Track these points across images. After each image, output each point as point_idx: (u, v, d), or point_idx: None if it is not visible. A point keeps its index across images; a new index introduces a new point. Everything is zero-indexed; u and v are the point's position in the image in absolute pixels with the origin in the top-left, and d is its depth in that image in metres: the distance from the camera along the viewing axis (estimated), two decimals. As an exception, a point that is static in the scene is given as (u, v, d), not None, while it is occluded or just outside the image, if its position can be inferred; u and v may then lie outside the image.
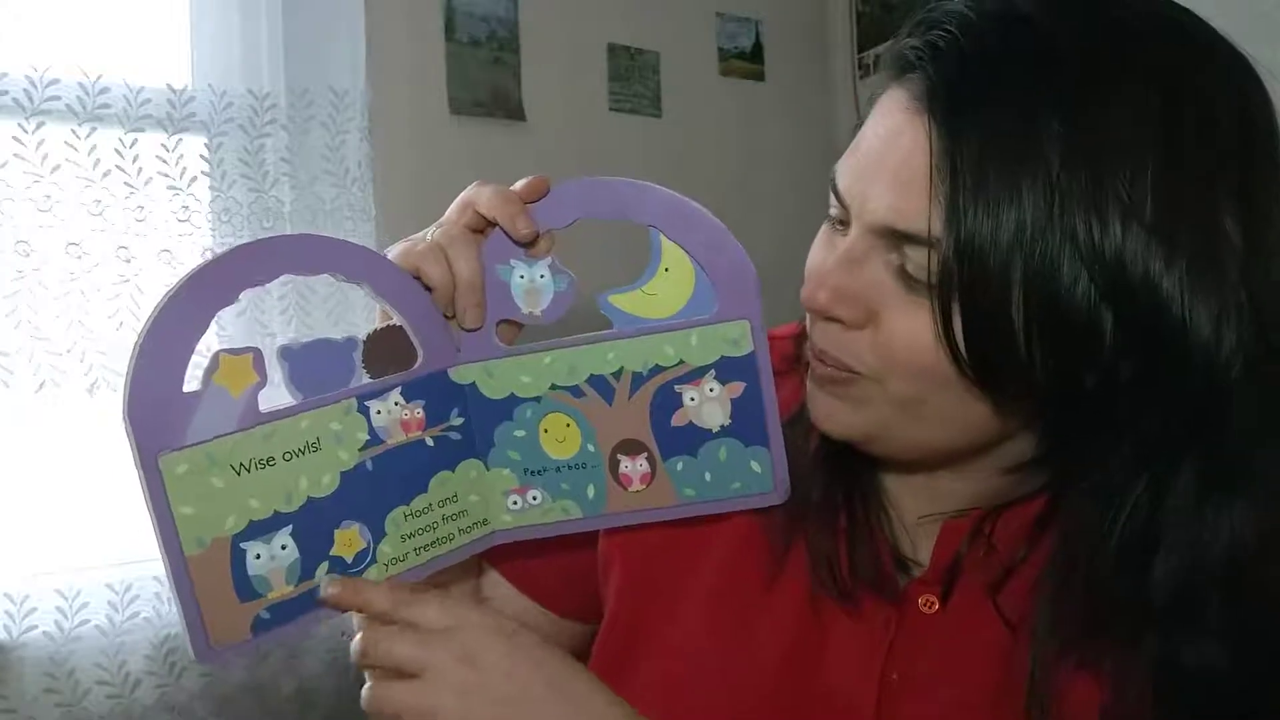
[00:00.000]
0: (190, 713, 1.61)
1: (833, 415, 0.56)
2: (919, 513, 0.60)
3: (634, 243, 0.58)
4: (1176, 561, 0.50)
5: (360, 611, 0.53)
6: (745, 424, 0.57)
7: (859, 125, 0.54)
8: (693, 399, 0.58)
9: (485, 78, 2.01)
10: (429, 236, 0.57)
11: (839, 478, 0.60)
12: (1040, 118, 0.46)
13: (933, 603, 0.57)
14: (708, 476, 0.58)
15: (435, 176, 1.91)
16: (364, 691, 0.52)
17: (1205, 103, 0.47)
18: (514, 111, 2.04)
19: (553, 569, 0.69)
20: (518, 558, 0.68)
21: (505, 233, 0.56)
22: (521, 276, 0.57)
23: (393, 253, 0.56)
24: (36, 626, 1.49)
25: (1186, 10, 0.51)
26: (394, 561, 0.56)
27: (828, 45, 2.53)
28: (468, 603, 0.55)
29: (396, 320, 0.56)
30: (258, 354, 0.51)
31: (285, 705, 1.69)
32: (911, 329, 0.50)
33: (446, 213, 0.58)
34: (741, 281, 0.56)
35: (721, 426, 0.58)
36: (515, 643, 0.52)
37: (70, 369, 1.51)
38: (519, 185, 0.56)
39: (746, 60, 2.39)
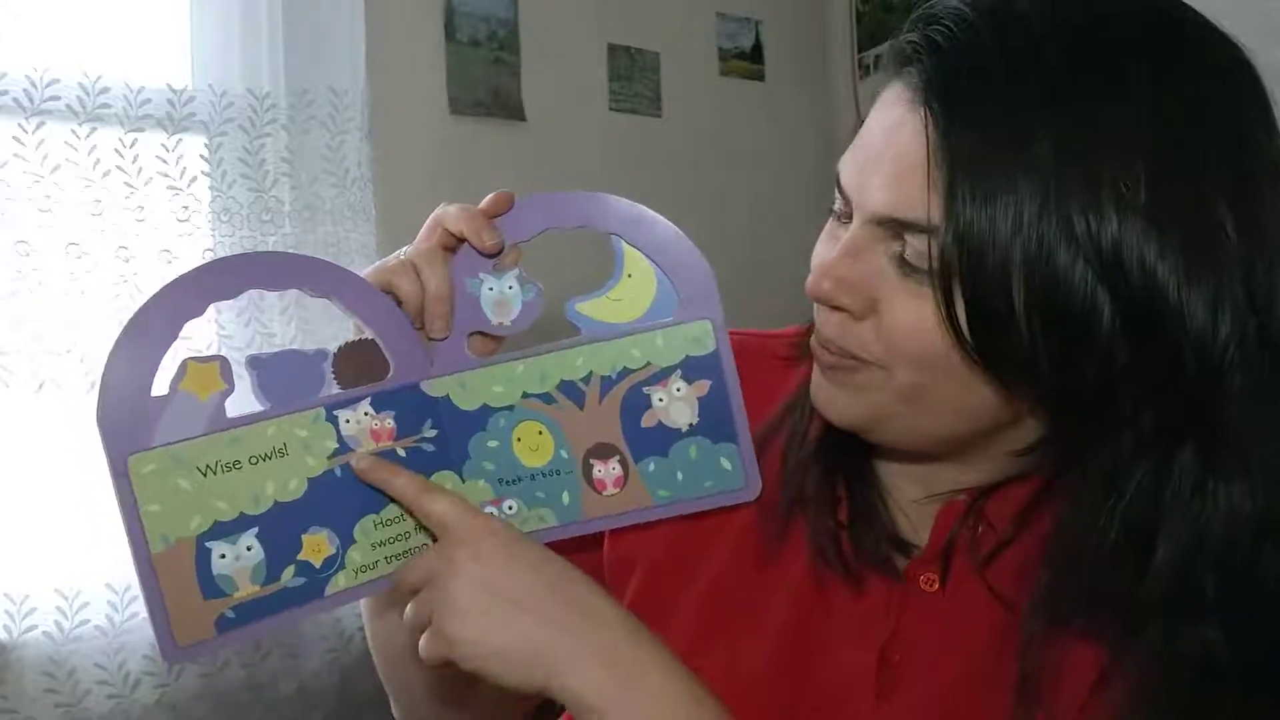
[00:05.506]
0: (190, 713, 1.62)
1: (834, 402, 0.56)
2: (917, 497, 0.60)
3: (599, 251, 0.60)
4: (1177, 547, 0.50)
5: (383, 489, 0.56)
6: (712, 421, 0.59)
7: (859, 124, 0.55)
8: (661, 399, 0.59)
9: (485, 78, 2.01)
10: (402, 255, 0.59)
11: (838, 465, 0.61)
12: (1034, 110, 0.47)
13: (933, 580, 0.58)
14: (680, 476, 0.60)
15: (435, 176, 1.92)
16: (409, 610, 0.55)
17: (1197, 96, 0.48)
18: (514, 111, 2.04)
19: None
20: None
21: (473, 246, 0.57)
22: (490, 289, 0.59)
23: (365, 272, 0.58)
24: (36, 626, 1.50)
25: (1181, 4, 0.52)
26: (363, 569, 0.57)
27: (828, 45, 2.53)
28: (475, 508, 0.57)
29: (368, 333, 0.57)
30: (224, 362, 0.53)
31: (285, 705, 1.69)
32: (913, 316, 0.51)
33: (419, 234, 0.60)
34: (700, 283, 0.58)
35: (690, 425, 0.59)
36: (512, 543, 0.55)
37: (70, 369, 1.52)
38: (484, 202, 0.58)
39: (746, 60, 2.39)
